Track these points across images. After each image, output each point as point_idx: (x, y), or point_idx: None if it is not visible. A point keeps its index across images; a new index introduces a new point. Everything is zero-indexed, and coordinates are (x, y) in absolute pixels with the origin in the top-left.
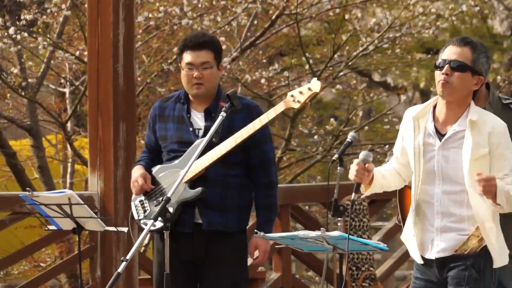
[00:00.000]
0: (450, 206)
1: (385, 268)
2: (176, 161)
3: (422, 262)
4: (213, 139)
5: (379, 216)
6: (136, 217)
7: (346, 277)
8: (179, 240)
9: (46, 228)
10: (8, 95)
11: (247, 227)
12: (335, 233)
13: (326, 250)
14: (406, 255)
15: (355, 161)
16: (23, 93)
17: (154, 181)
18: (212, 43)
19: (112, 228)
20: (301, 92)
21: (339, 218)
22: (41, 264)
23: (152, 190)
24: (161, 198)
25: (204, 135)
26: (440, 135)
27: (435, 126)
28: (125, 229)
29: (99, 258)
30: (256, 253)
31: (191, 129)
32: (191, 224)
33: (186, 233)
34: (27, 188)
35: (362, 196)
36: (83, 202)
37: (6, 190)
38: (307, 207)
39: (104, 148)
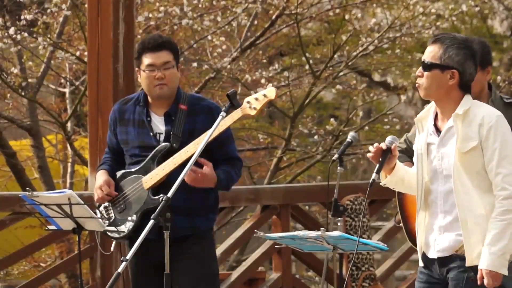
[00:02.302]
0: (453, 205)
1: (385, 268)
2: (138, 167)
3: (425, 260)
4: (173, 144)
5: (379, 216)
6: (101, 224)
7: (346, 277)
8: (146, 246)
9: (46, 228)
10: (8, 95)
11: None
12: (335, 233)
13: (326, 250)
14: (406, 255)
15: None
16: (23, 93)
17: (118, 187)
18: (170, 43)
19: (112, 228)
20: (256, 99)
21: (339, 218)
22: (41, 264)
23: (116, 197)
24: (123, 205)
25: (166, 139)
26: (439, 133)
27: (435, 125)
28: (125, 229)
29: (99, 258)
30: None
31: (151, 134)
32: (156, 230)
33: (151, 239)
34: (27, 188)
35: (381, 183)
36: (83, 202)
37: (6, 190)
38: (307, 207)
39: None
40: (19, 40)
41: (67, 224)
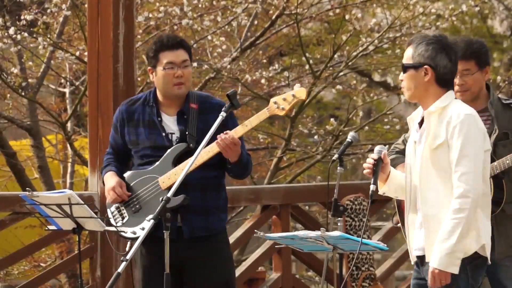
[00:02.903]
0: (421, 201)
1: (385, 268)
2: (152, 167)
3: (413, 257)
4: (190, 144)
5: (379, 216)
6: (114, 224)
7: (346, 277)
8: (162, 245)
9: (46, 228)
10: (8, 95)
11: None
12: (335, 233)
13: (326, 250)
14: (406, 255)
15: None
16: (23, 93)
17: (128, 188)
18: (186, 43)
19: (112, 228)
20: (285, 99)
21: (339, 218)
22: (41, 264)
23: (129, 197)
24: (138, 206)
25: (179, 138)
26: None
27: (420, 124)
28: (125, 229)
29: (99, 258)
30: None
31: (163, 134)
32: (174, 230)
33: (170, 239)
34: (27, 188)
35: (380, 193)
36: (83, 202)
37: (6, 190)
38: (307, 207)
39: (104, 148)
40: (19, 40)
41: (67, 224)
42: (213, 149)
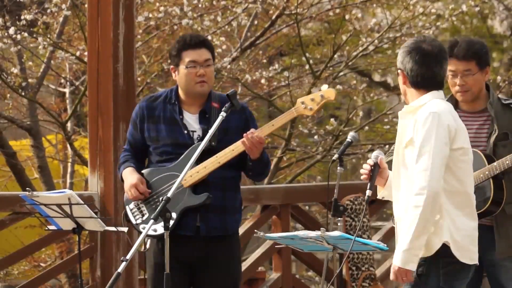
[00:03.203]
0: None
1: (385, 268)
2: (172, 164)
3: None
4: (212, 142)
5: (379, 216)
6: (133, 221)
7: (346, 277)
8: (179, 243)
9: (46, 228)
10: (8, 95)
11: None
12: (335, 233)
13: (326, 250)
14: None
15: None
16: (23, 93)
17: (148, 185)
18: (209, 42)
19: (112, 228)
20: (313, 99)
21: (339, 218)
22: (41, 264)
23: (149, 194)
24: (161, 199)
25: (203, 137)
26: None
27: None
28: (125, 229)
29: (99, 258)
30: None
31: (185, 131)
32: (194, 228)
33: (187, 236)
34: (27, 188)
35: (379, 197)
36: (83, 202)
37: (6, 190)
38: (307, 207)
39: (104, 148)
40: (19, 40)
41: (67, 224)
42: (238, 148)
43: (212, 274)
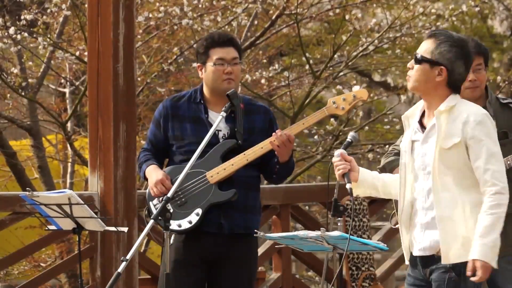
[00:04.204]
0: (433, 202)
1: (385, 268)
2: (196, 162)
3: (411, 259)
4: (239, 141)
5: (379, 216)
6: (155, 216)
7: (346, 277)
8: (202, 240)
9: (46, 228)
10: (8, 95)
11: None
12: (335, 233)
13: (326, 250)
14: None
15: (333, 158)
16: (23, 93)
17: (171, 182)
18: (237, 41)
19: (112, 228)
20: (344, 99)
21: (339, 218)
22: (41, 264)
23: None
24: (184, 199)
25: (228, 135)
26: (424, 130)
27: (420, 122)
28: (125, 229)
29: (99, 258)
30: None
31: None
32: (217, 224)
33: (211, 233)
34: (27, 188)
35: (355, 195)
36: (83, 202)
37: (6, 190)
38: (307, 207)
39: (104, 148)
40: (19, 40)
41: (67, 224)
42: (266, 146)
43: (230, 271)
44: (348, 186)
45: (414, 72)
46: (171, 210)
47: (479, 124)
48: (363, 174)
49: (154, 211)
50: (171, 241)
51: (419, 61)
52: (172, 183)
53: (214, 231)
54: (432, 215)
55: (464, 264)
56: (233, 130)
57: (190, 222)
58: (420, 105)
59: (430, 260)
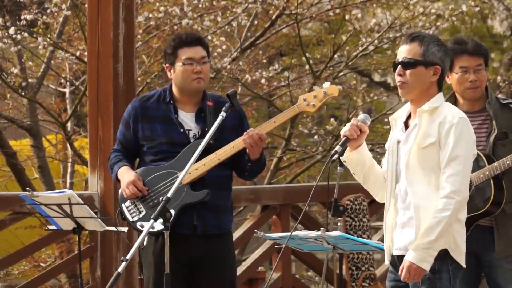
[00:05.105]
0: (410, 192)
1: (385, 268)
2: (168, 163)
3: (390, 258)
4: (210, 140)
5: (379, 216)
6: (130, 219)
7: (346, 277)
8: (177, 242)
9: (46, 228)
10: (8, 95)
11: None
12: (335, 233)
13: (326, 250)
14: None
15: (353, 118)
16: (23, 93)
17: (143, 183)
18: (204, 40)
19: (112, 228)
20: (315, 96)
21: (339, 218)
22: (41, 264)
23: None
24: (161, 199)
25: (199, 135)
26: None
27: (405, 123)
28: (125, 229)
29: (99, 258)
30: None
31: (181, 130)
32: (191, 226)
33: (184, 234)
34: (27, 188)
35: (342, 158)
36: (83, 202)
37: (6, 190)
38: (307, 207)
39: (104, 148)
40: (19, 40)
41: (67, 224)
42: (238, 145)
43: (209, 273)
44: (337, 148)
45: (408, 77)
46: (144, 212)
47: (452, 127)
48: (363, 148)
49: (127, 214)
50: (145, 243)
51: (413, 64)
52: (144, 184)
53: (188, 232)
54: (409, 214)
55: (440, 262)
56: (204, 129)
57: (163, 224)
58: (407, 106)
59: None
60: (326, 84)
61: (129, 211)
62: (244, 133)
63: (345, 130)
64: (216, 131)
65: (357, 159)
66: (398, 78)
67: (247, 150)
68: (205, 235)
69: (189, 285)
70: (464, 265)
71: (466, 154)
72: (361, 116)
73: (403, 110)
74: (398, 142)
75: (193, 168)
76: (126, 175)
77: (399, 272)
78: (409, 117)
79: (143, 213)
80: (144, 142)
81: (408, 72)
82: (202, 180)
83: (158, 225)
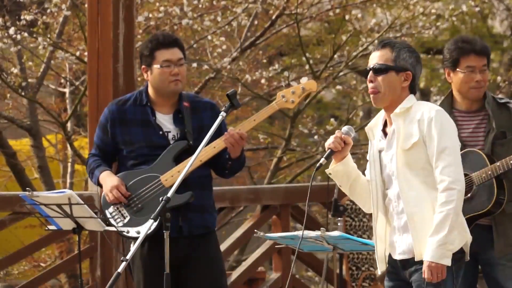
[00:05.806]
0: (403, 202)
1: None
2: (149, 166)
3: (391, 261)
4: (190, 141)
5: None
6: (115, 225)
7: (346, 277)
8: (163, 244)
9: (46, 228)
10: (8, 95)
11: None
12: (335, 233)
13: (326, 250)
14: None
15: (337, 131)
16: (23, 93)
17: (126, 188)
18: (181, 41)
19: (112, 228)
20: (294, 92)
21: (339, 218)
22: (41, 264)
23: (129, 197)
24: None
25: (179, 137)
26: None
27: (384, 130)
28: (125, 229)
29: (99, 258)
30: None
31: (160, 132)
32: (177, 228)
33: (171, 237)
34: (27, 188)
35: (326, 171)
36: (83, 202)
37: (6, 190)
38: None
39: None
40: (19, 40)
41: (67, 224)
42: (219, 145)
43: (196, 273)
44: (322, 160)
45: (380, 83)
46: (128, 217)
47: (432, 121)
48: (348, 160)
49: (111, 219)
50: (131, 248)
51: (384, 70)
52: (126, 188)
53: (174, 235)
54: (405, 218)
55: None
56: (182, 131)
57: (149, 228)
58: (382, 114)
59: (409, 263)
60: (304, 79)
61: (113, 217)
62: (225, 132)
63: (329, 142)
64: (194, 132)
65: (343, 171)
66: (370, 85)
67: (228, 149)
68: (190, 236)
69: (177, 285)
70: (468, 257)
71: (453, 143)
72: (345, 128)
73: (378, 118)
74: (380, 151)
75: (175, 170)
76: (108, 179)
77: (422, 275)
78: (385, 125)
79: (127, 218)
80: (123, 146)
81: (379, 78)
82: (184, 182)
83: (143, 230)
